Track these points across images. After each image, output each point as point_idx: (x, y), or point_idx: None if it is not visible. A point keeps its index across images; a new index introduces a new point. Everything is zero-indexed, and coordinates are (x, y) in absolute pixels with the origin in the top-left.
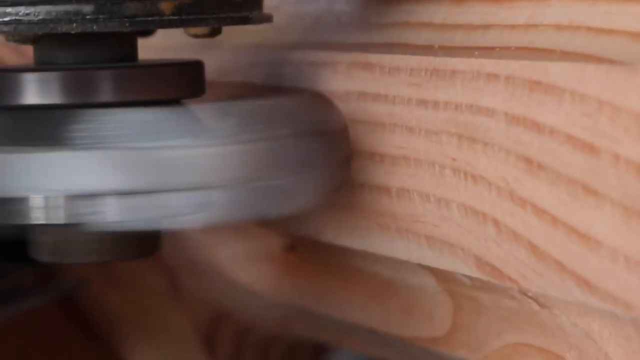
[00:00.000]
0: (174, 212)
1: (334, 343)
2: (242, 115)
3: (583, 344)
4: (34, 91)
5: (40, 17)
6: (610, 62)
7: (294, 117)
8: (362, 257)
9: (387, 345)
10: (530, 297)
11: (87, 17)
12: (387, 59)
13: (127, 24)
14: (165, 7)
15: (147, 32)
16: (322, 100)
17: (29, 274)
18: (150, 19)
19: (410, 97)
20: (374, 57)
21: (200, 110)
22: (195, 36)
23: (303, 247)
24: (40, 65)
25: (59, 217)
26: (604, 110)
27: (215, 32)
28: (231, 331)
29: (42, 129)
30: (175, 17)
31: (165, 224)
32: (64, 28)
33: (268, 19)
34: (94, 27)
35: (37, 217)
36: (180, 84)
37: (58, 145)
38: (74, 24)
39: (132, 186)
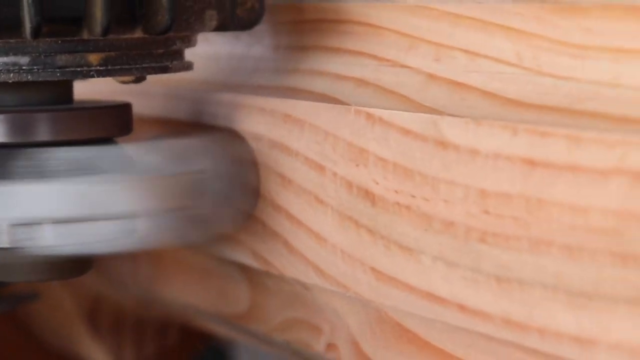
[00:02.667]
0: (103, 238)
1: (180, 321)
2: (166, 152)
3: (333, 318)
4: None
5: None
6: (338, 101)
7: (211, 154)
8: (188, 248)
9: (212, 320)
10: (297, 282)
11: (24, 67)
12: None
13: (58, 74)
14: (93, 59)
15: (87, 78)
16: (235, 138)
17: None
18: (79, 69)
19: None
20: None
21: (129, 148)
22: (123, 82)
23: None
24: None
25: (2, 242)
26: (328, 139)
27: (140, 79)
28: (111, 309)
29: None
30: (102, 68)
31: (95, 249)
32: (2, 77)
33: (187, 67)
34: (29, 77)
35: None
36: (110, 124)
37: (1, 179)
38: (12, 74)
39: (67, 215)
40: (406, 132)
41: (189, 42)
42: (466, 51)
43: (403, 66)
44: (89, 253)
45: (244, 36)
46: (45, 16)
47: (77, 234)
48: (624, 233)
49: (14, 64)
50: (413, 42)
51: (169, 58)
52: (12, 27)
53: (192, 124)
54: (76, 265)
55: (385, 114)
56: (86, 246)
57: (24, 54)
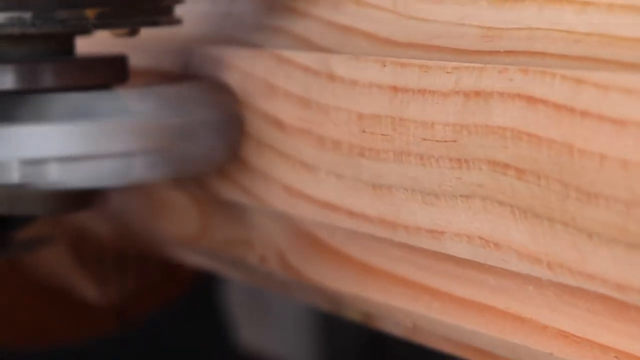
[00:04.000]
0: (103, 174)
1: (154, 253)
2: (158, 98)
3: (264, 234)
4: None
5: None
6: (260, 47)
7: (198, 100)
8: (163, 187)
9: (175, 245)
10: (232, 203)
11: (27, 22)
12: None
13: (58, 27)
14: (89, 13)
15: (86, 31)
16: (221, 87)
17: None
18: (77, 22)
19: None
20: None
21: (124, 94)
22: (118, 35)
23: None
24: None
25: (13, 178)
26: (249, 78)
27: (133, 32)
28: (95, 244)
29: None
30: (98, 21)
31: (96, 184)
32: (8, 30)
33: (177, 22)
34: (32, 30)
35: None
36: (107, 73)
37: (12, 122)
38: (16, 27)
39: (70, 153)
40: (306, 68)
41: None
42: (356, 1)
43: (310, 16)
44: (90, 187)
45: None
46: None
47: (80, 171)
48: (458, 141)
49: (19, 19)
50: None
51: (159, 13)
52: None
53: (181, 74)
54: (80, 199)
55: (290, 54)
56: (87, 181)
57: (27, 9)
